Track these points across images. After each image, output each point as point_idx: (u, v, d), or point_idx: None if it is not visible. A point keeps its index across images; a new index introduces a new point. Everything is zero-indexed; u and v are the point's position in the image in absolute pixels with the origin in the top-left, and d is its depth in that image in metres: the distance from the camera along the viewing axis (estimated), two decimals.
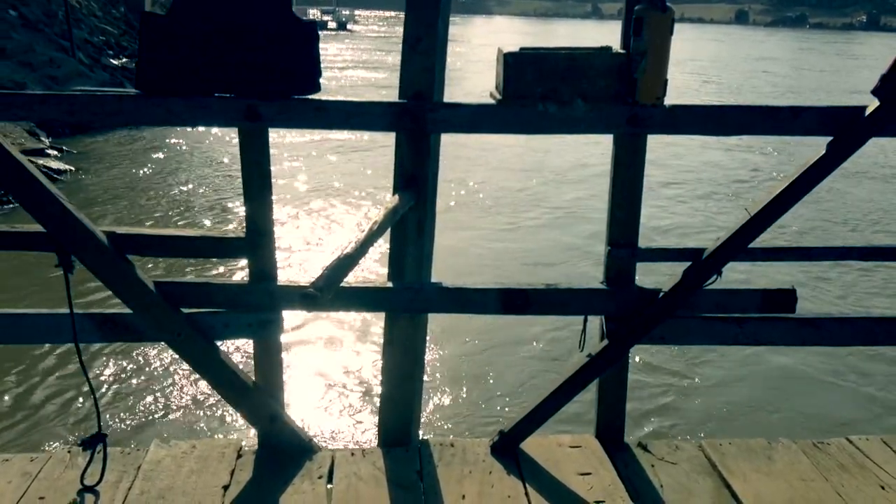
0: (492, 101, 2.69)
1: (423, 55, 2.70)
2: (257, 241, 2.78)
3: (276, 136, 14.41)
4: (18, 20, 20.01)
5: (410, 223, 2.88)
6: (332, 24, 77.48)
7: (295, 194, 12.58)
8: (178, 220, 11.05)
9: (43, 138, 14.69)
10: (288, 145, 16.45)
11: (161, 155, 15.63)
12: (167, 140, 16.85)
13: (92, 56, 21.50)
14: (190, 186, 13.04)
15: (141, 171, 13.97)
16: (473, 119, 2.68)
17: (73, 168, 13.57)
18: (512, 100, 2.62)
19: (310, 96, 2.64)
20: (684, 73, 36.70)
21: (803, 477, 2.92)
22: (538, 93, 2.60)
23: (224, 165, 14.52)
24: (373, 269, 8.41)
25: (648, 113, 2.63)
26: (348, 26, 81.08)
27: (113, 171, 13.93)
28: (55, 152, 14.22)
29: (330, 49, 46.44)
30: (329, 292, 2.36)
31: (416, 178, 2.82)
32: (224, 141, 16.40)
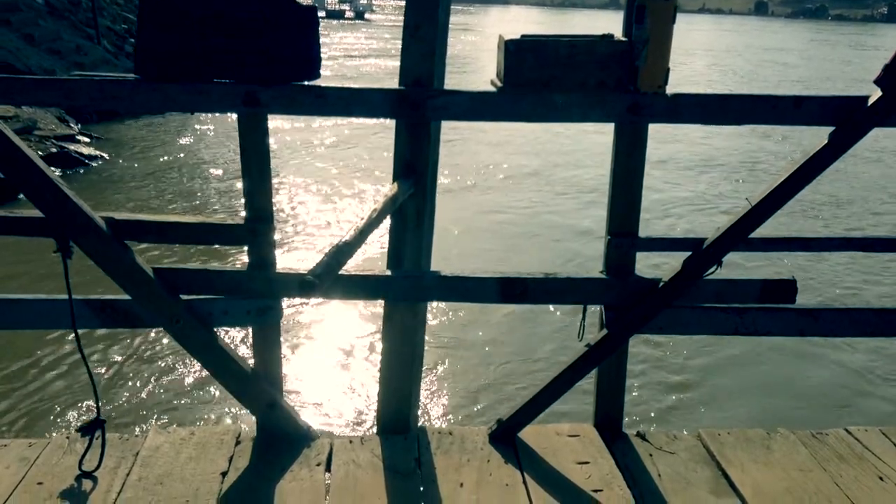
0: (492, 89, 2.68)
1: (423, 42, 2.69)
2: (256, 227, 2.77)
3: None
4: (44, 7, 20.14)
5: (409, 211, 2.87)
6: (349, 14, 76.42)
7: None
8: (204, 206, 11.12)
9: (72, 125, 14.79)
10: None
11: (189, 140, 15.72)
12: (195, 125, 16.94)
13: (116, 44, 21.60)
14: (219, 171, 13.11)
15: (170, 157, 14.07)
16: (473, 106, 2.66)
17: (103, 154, 13.69)
18: (512, 87, 2.60)
19: (310, 82, 2.62)
20: (696, 63, 36.74)
21: (801, 467, 2.92)
22: (539, 80, 2.59)
23: None
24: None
25: (649, 101, 2.61)
26: (366, 15, 79.77)
27: (142, 156, 14.04)
28: (85, 138, 14.34)
29: (347, 38, 46.24)
30: (327, 280, 2.36)
31: (415, 166, 2.81)
32: None
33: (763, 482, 2.81)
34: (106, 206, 10.43)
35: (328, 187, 12.22)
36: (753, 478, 2.84)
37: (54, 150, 12.57)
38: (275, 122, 15.22)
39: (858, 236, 3.04)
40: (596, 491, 2.72)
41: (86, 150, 13.40)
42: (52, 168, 11.69)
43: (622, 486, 2.75)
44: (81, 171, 12.58)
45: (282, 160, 13.85)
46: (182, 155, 14.33)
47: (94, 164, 13.01)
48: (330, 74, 26.42)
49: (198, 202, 11.32)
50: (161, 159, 13.86)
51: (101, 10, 22.06)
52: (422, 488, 2.73)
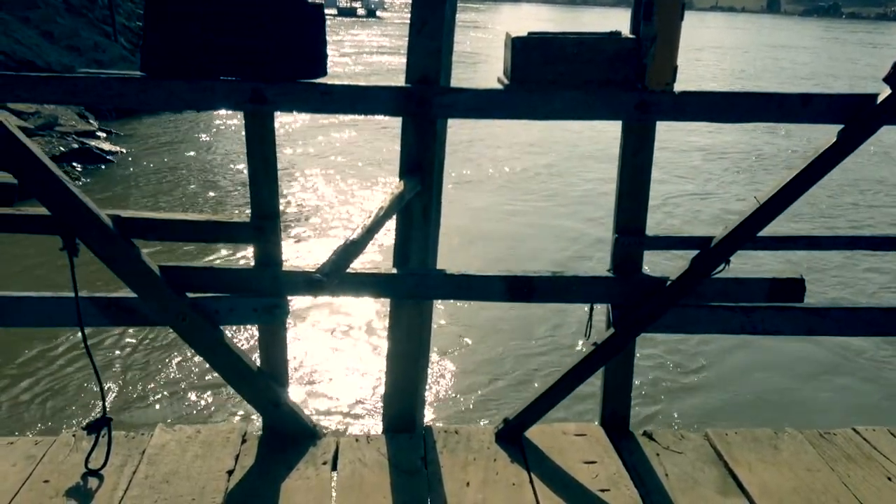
0: (499, 87, 2.67)
1: (429, 38, 2.67)
2: (263, 225, 2.77)
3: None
4: (62, 4, 20.29)
5: (416, 209, 2.87)
6: (361, 11, 75.50)
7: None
8: (224, 201, 11.16)
9: (92, 121, 14.90)
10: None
11: (208, 135, 15.80)
12: (214, 121, 17.03)
13: (132, 41, 21.77)
14: (238, 166, 13.15)
15: (188, 152, 14.17)
16: (479, 104, 2.65)
17: (122, 150, 13.81)
18: (519, 85, 2.59)
19: (316, 80, 2.62)
20: (703, 60, 36.76)
21: (809, 467, 2.90)
22: (546, 77, 2.57)
23: None
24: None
25: (657, 99, 2.60)
26: (378, 13, 78.85)
27: (160, 152, 14.12)
28: (104, 134, 14.47)
29: (359, 35, 46.11)
30: (335, 278, 2.36)
31: (421, 164, 2.81)
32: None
33: (770, 482, 2.80)
34: (124, 202, 10.54)
35: (334, 182, 12.23)
36: (761, 477, 2.82)
37: (75, 145, 12.70)
38: (283, 115, 15.25)
39: (866, 235, 3.02)
40: (603, 490, 2.71)
41: (105, 146, 13.56)
42: (74, 164, 11.69)
43: (629, 485, 2.74)
44: (103, 167, 12.66)
45: (285, 153, 13.87)
46: (200, 150, 14.40)
47: (113, 160, 13.14)
48: (341, 71, 26.48)
49: (217, 197, 11.35)
50: (179, 155, 13.94)
51: (117, 7, 22.18)
52: (428, 487, 2.72)
